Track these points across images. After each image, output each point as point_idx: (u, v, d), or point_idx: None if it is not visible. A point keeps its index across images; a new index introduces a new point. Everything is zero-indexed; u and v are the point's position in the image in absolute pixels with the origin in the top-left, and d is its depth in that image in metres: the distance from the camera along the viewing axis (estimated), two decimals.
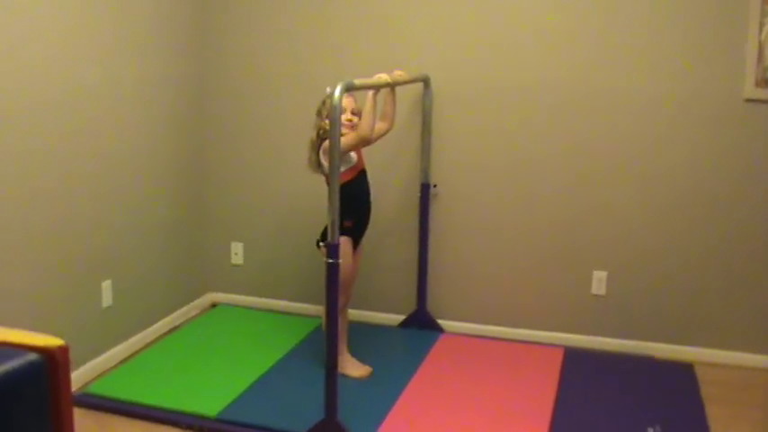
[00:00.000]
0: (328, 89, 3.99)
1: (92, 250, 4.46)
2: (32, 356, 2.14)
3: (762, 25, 4.48)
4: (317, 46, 5.23)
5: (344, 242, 4.16)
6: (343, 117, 4.16)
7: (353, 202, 4.23)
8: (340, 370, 4.13)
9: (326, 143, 4.06)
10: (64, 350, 2.23)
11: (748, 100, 4.57)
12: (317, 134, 4.26)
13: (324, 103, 4.20)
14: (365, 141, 4.19)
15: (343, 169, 4.10)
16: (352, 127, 4.21)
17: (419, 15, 5.01)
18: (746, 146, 4.63)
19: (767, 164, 4.62)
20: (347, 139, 4.06)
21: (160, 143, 5.05)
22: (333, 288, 3.71)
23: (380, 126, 4.48)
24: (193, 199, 5.51)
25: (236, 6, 5.35)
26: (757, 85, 4.53)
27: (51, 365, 2.19)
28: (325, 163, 4.16)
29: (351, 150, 4.21)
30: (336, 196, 3.64)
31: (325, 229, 3.78)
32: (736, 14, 4.52)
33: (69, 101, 4.19)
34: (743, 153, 4.65)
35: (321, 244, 3.76)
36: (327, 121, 3.88)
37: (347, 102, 4.22)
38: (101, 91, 4.43)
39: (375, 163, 4.76)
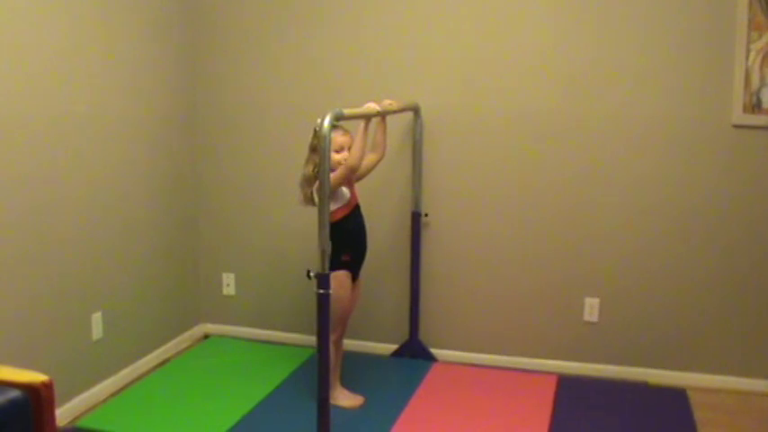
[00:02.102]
0: (319, 120, 3.99)
1: (82, 283, 4.44)
2: (15, 393, 2.12)
3: (748, 51, 4.50)
4: (309, 77, 5.24)
5: (343, 276, 4.21)
6: (339, 156, 4.15)
7: (350, 237, 4.25)
8: (332, 401, 4.11)
9: None
10: (48, 386, 2.21)
11: (736, 126, 4.58)
12: (312, 170, 4.22)
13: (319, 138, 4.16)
14: (353, 171, 4.18)
15: (338, 206, 4.16)
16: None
17: (410, 45, 5.03)
18: (735, 171, 4.64)
19: (756, 189, 4.63)
20: (338, 171, 4.05)
21: (151, 175, 5.05)
22: (324, 319, 3.69)
23: (371, 157, 4.49)
24: (185, 230, 5.50)
25: (227, 37, 5.37)
26: (745, 110, 4.55)
27: (35, 402, 2.18)
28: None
29: (341, 182, 4.15)
30: (326, 227, 3.64)
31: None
32: (724, 41, 4.54)
33: (58, 131, 4.19)
34: (732, 179, 4.66)
35: (312, 275, 3.76)
36: None
37: (342, 140, 4.21)
38: (90, 121, 4.43)
39: (366, 192, 4.76)
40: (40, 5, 4.01)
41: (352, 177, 4.26)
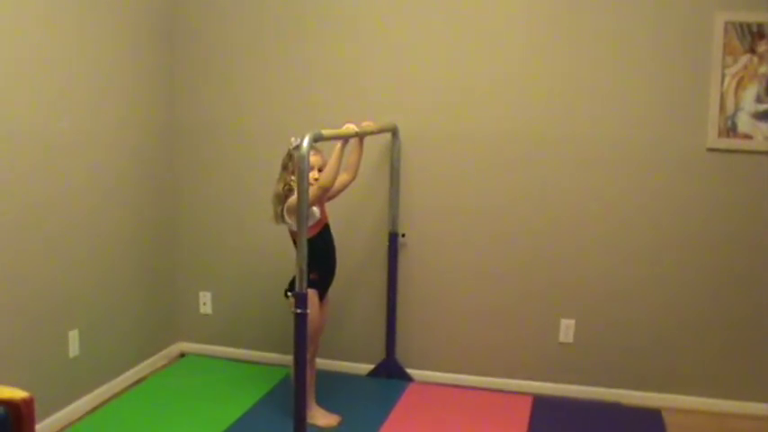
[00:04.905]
0: (293, 140, 4.01)
1: (59, 300, 4.42)
2: None
3: (723, 76, 4.57)
4: (288, 95, 5.26)
5: (310, 294, 4.14)
6: (310, 176, 4.13)
7: (319, 256, 4.22)
8: (308, 420, 4.12)
9: (291, 200, 4.07)
10: (28, 402, 2.21)
11: (711, 149, 4.64)
12: (283, 188, 4.25)
13: (290, 156, 4.18)
14: (326, 191, 4.18)
15: (308, 225, 4.12)
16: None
17: (388, 66, 5.07)
18: (709, 194, 4.70)
19: (729, 212, 4.69)
20: (311, 191, 4.06)
21: (129, 193, 5.04)
22: (301, 338, 3.71)
23: (344, 178, 4.50)
24: (162, 248, 5.50)
25: (207, 55, 5.39)
26: (719, 134, 4.61)
27: (16, 418, 2.18)
28: (289, 220, 4.17)
29: (313, 202, 4.14)
30: (304, 246, 3.65)
31: (293, 280, 3.78)
32: (700, 65, 4.61)
33: (38, 149, 4.18)
34: (706, 201, 4.71)
35: (289, 294, 3.77)
36: (294, 177, 3.86)
37: (315, 159, 4.21)
38: (70, 139, 4.43)
39: (343, 212, 4.79)
40: (18, 23, 4.01)
41: (323, 197, 4.29)
